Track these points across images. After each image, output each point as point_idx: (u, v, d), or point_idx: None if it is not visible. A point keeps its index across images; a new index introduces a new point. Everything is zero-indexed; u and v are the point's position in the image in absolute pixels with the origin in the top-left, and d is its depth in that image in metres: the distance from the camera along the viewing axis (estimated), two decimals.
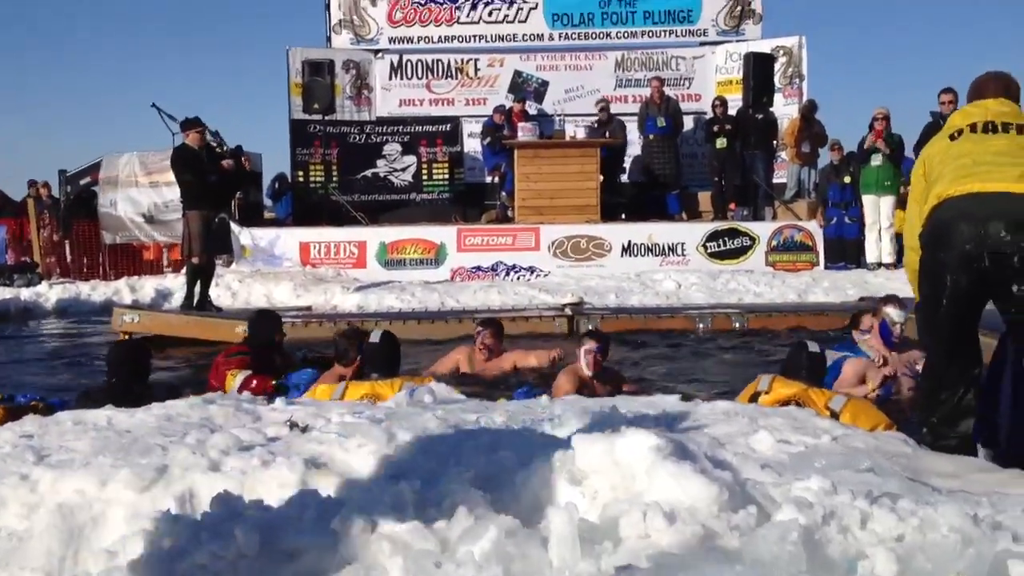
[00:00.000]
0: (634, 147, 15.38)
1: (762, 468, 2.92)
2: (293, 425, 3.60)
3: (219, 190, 10.35)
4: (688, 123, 15.99)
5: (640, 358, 8.63)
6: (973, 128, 4.02)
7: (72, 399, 5.87)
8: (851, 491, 2.55)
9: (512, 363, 7.28)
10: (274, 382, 6.31)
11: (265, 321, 7.11)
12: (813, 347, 5.08)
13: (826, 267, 13.14)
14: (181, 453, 3.22)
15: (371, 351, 5.46)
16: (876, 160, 12.53)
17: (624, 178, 15.62)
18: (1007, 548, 2.21)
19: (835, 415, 4.28)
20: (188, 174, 10.09)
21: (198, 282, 10.30)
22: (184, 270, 10.98)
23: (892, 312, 6.86)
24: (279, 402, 4.14)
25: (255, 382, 6.31)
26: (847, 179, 13.14)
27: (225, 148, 11.21)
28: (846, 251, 13.41)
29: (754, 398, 4.62)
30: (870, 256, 12.84)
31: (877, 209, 12.66)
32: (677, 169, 15.16)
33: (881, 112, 12.67)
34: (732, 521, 2.43)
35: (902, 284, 11.63)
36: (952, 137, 4.10)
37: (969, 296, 3.83)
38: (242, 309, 11.19)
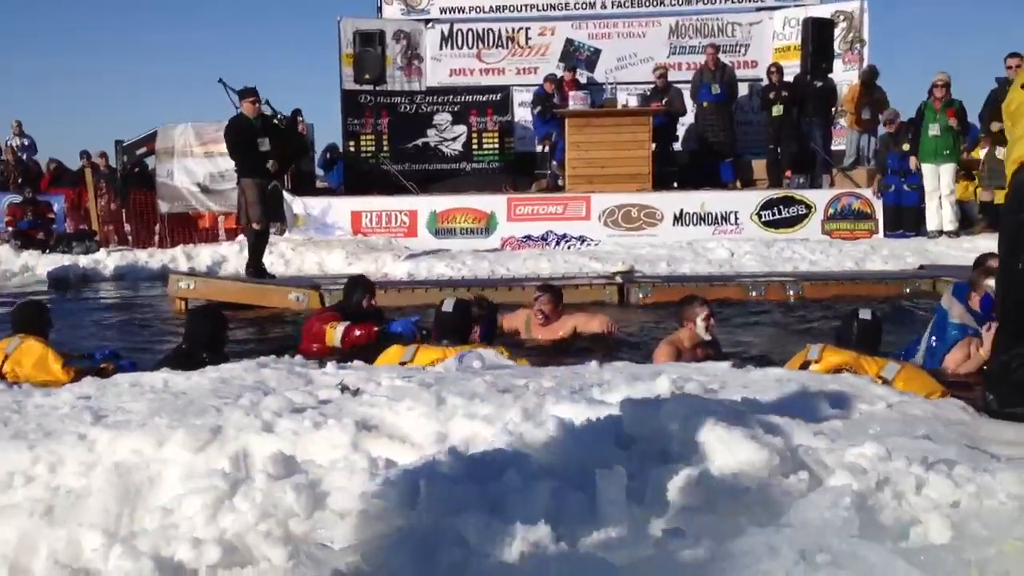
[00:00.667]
0: (689, 115, 15.16)
1: (815, 435, 2.88)
2: (344, 388, 3.62)
3: (273, 158, 10.41)
4: (743, 90, 15.76)
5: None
6: None
7: (135, 361, 6.04)
8: (906, 457, 2.51)
9: (572, 327, 7.26)
10: (376, 329, 6.39)
11: (357, 286, 7.18)
12: (865, 314, 4.99)
13: (885, 235, 12.88)
14: (235, 414, 3.26)
15: (443, 319, 5.48)
16: (934, 128, 12.25)
17: (678, 146, 15.44)
18: None
19: (887, 383, 4.20)
20: (240, 142, 10.22)
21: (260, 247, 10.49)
22: (241, 237, 11.09)
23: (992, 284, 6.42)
24: (330, 366, 4.17)
25: (358, 331, 6.41)
26: (906, 147, 12.85)
27: (280, 117, 11.28)
28: (905, 219, 13.13)
29: (804, 367, 4.55)
30: (931, 224, 12.60)
31: (937, 177, 12.42)
32: (732, 137, 14.96)
33: (941, 79, 12.34)
34: (783, 486, 2.41)
35: (963, 252, 11.49)
36: None
37: None
38: (294, 276, 11.33)
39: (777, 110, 14.32)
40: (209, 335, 5.79)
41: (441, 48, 16.03)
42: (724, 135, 14.79)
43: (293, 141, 11.82)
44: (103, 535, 2.55)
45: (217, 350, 5.66)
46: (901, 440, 2.82)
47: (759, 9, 15.94)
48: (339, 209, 13.45)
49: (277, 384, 3.90)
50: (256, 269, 10.47)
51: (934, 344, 6.08)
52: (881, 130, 13.97)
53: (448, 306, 5.51)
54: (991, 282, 5.49)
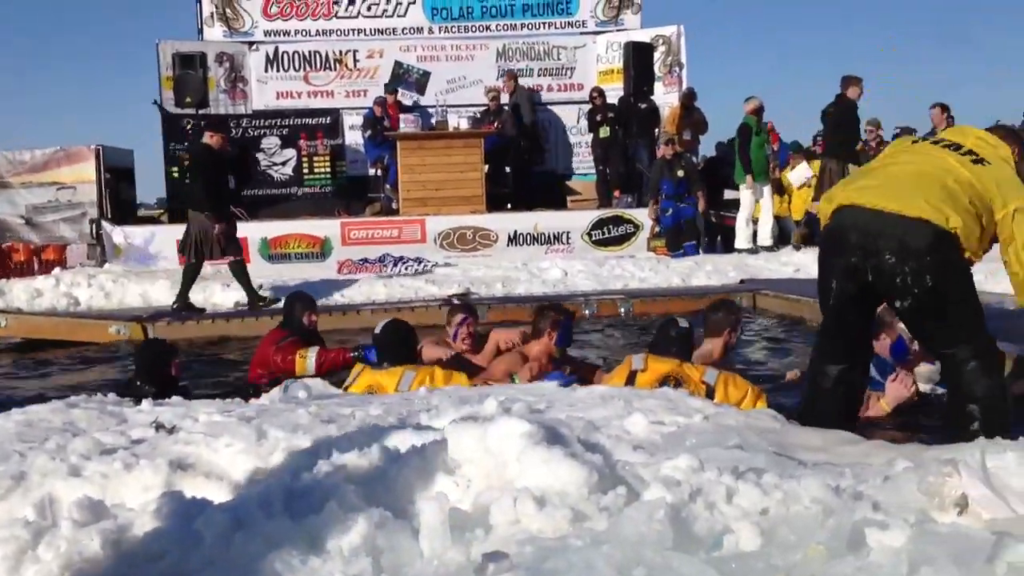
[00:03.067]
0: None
1: (634, 449, 2.94)
2: (159, 426, 3.47)
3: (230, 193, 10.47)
4: (572, 112, 16.15)
5: None
6: (938, 142, 4.05)
7: None
8: (718, 468, 2.59)
9: (504, 345, 6.14)
10: (352, 353, 6.15)
11: (296, 302, 6.87)
12: (682, 323, 5.04)
13: (672, 253, 13.12)
14: (40, 459, 3.07)
15: (377, 341, 5.38)
16: (760, 150, 12.80)
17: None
18: (865, 516, 2.27)
19: (710, 388, 4.34)
20: (209, 176, 10.21)
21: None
22: (59, 271, 10.66)
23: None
24: (146, 403, 3.98)
25: (333, 355, 6.18)
26: (680, 173, 13.21)
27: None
28: (686, 235, 13.28)
29: (631, 377, 4.64)
30: (740, 243, 13.08)
31: (757, 197, 12.96)
32: (541, 158, 15.70)
33: (754, 104, 12.95)
34: (601, 503, 2.44)
35: (779, 265, 12.09)
36: (914, 141, 4.26)
37: (853, 300, 3.91)
38: (115, 310, 10.83)
39: (604, 132, 14.73)
40: (147, 368, 5.59)
41: (267, 70, 15.75)
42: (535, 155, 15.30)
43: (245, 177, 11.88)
44: None
45: (161, 383, 5.41)
46: (715, 451, 2.91)
47: (583, 33, 16.37)
48: (163, 238, 12.93)
49: (87, 425, 3.71)
50: (184, 304, 10.43)
51: None
52: (705, 149, 14.55)
53: (379, 328, 5.43)
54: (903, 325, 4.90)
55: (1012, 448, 2.54)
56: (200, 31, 15.71)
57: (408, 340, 5.38)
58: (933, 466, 2.48)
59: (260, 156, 15.36)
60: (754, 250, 12.95)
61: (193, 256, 10.36)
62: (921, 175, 3.82)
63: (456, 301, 10.19)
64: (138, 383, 5.45)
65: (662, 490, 2.43)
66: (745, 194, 13.03)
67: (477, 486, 2.69)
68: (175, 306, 10.48)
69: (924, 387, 5.12)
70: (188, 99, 14.24)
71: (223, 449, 3.09)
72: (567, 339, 5.65)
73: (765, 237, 12.99)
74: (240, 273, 10.56)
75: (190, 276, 10.52)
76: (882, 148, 11.13)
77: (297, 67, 15.86)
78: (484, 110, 14.99)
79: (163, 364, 5.70)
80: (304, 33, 15.89)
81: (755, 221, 13.31)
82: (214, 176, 10.37)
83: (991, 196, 3.74)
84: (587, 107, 15.38)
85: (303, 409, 3.62)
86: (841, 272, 3.85)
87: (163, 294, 11.17)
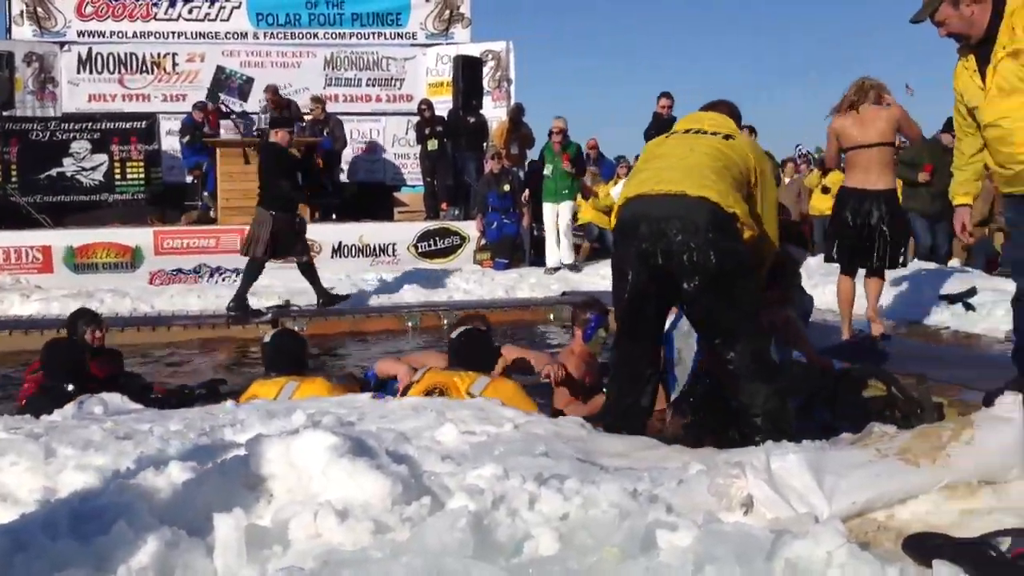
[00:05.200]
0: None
1: (443, 459, 2.95)
2: None
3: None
4: (401, 124, 16.11)
5: (346, 360, 8.56)
6: (687, 131, 4.28)
7: None
8: (522, 475, 2.62)
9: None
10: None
11: (79, 319, 6.31)
12: (462, 330, 5.06)
13: (495, 265, 13.19)
14: None
15: (264, 351, 5.19)
16: (552, 170, 12.88)
17: (344, 178, 15.53)
18: (658, 519, 2.35)
19: (474, 398, 4.34)
20: (280, 174, 10.13)
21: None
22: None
23: (795, 252, 5.57)
24: None
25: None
26: (506, 187, 13.33)
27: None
28: (506, 250, 13.47)
29: (406, 390, 4.66)
30: (550, 260, 13.06)
31: (555, 215, 12.96)
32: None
33: (558, 125, 13.06)
34: (405, 513, 2.43)
35: (600, 278, 12.35)
36: (666, 136, 4.38)
37: (648, 290, 4.01)
38: None
39: (432, 144, 14.73)
40: (60, 364, 5.22)
41: (79, 72, 15.05)
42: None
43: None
44: None
45: (80, 379, 5.09)
46: (521, 459, 2.95)
47: (413, 45, 16.37)
48: None
49: None
50: (239, 305, 10.04)
51: None
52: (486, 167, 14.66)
53: (269, 336, 5.28)
54: (792, 249, 5.19)
55: (794, 451, 2.68)
56: (8, 30, 14.91)
57: (296, 351, 5.21)
58: (723, 468, 2.60)
59: (68, 161, 14.52)
60: (551, 270, 12.91)
61: (261, 253, 10.05)
62: (690, 159, 4.06)
63: (272, 314, 9.96)
64: (50, 385, 5.15)
65: (465, 499, 2.44)
66: (545, 211, 13.15)
67: (279, 501, 2.64)
68: (231, 305, 10.08)
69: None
70: None
71: (8, 468, 2.92)
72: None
73: (565, 255, 12.96)
74: (310, 273, 10.41)
75: (252, 275, 10.21)
76: None
77: (112, 69, 15.25)
78: (313, 119, 14.73)
79: (77, 358, 5.42)
80: (120, 35, 15.31)
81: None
82: (285, 174, 10.25)
83: (749, 164, 4.11)
84: (416, 119, 15.37)
85: (97, 425, 3.45)
86: (635, 260, 3.95)
87: None
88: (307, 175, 11.35)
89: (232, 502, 2.60)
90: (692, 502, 2.52)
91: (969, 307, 7.68)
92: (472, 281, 12.26)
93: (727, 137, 4.19)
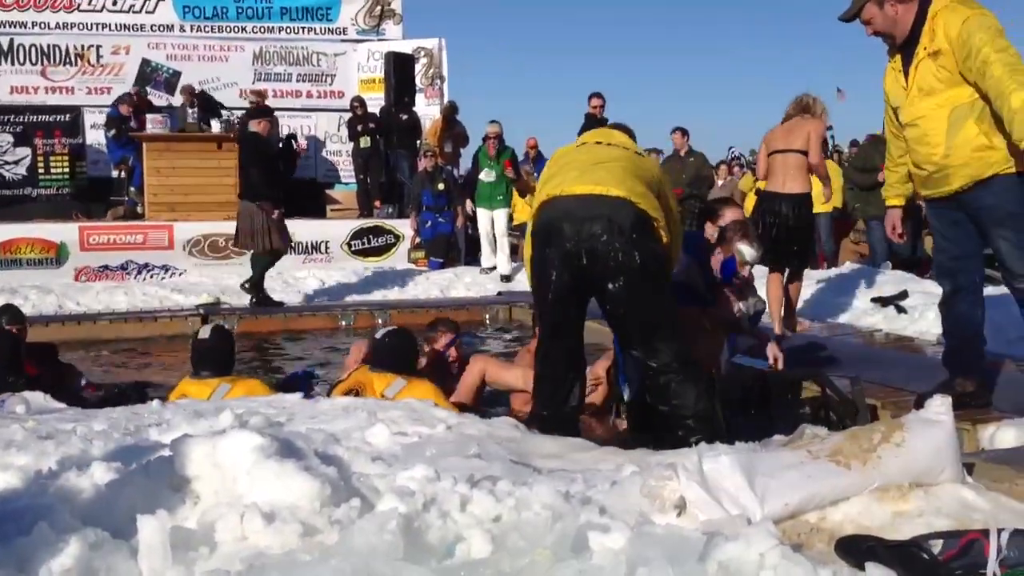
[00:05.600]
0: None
1: (373, 461, 2.90)
2: None
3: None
4: (332, 120, 15.94)
5: (277, 358, 8.44)
6: (597, 143, 4.35)
7: None
8: (454, 477, 2.59)
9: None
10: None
11: (3, 317, 6.04)
12: (381, 333, 5.07)
13: (430, 264, 13.14)
14: None
15: (199, 347, 4.99)
16: (489, 176, 12.65)
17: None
18: (590, 521, 2.33)
19: (387, 400, 4.32)
20: (262, 164, 10.11)
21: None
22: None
23: (745, 250, 5.04)
24: None
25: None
26: (440, 186, 13.28)
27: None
28: (445, 248, 13.49)
29: (330, 390, 4.63)
30: (485, 262, 12.92)
31: (489, 221, 12.75)
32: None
33: (493, 130, 12.92)
34: (334, 516, 2.39)
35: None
36: (576, 145, 4.41)
37: (571, 291, 4.01)
38: None
39: (365, 141, 14.59)
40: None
41: (0, 63, 14.58)
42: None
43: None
44: None
45: (15, 370, 4.98)
46: (453, 460, 2.92)
47: (343, 41, 16.22)
48: None
49: None
50: (262, 296, 10.26)
51: None
52: (464, 163, 14.59)
53: (205, 333, 5.07)
54: (742, 246, 4.96)
55: (727, 452, 2.69)
56: None
57: (228, 350, 5.10)
58: (656, 470, 2.60)
59: None
60: (486, 270, 12.81)
61: (253, 245, 10.18)
62: (609, 164, 4.10)
63: (203, 311, 9.78)
64: None
65: (396, 501, 2.40)
66: (480, 217, 12.95)
67: (205, 503, 2.57)
68: (252, 301, 10.27)
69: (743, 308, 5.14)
70: None
71: None
72: None
73: (502, 261, 12.67)
74: (263, 263, 10.38)
75: (260, 264, 10.35)
76: None
77: (34, 61, 14.93)
78: (244, 112, 14.47)
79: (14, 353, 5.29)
80: (43, 25, 15.00)
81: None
82: (267, 164, 10.28)
83: (658, 178, 4.23)
84: (348, 115, 15.22)
85: (18, 425, 3.33)
86: (559, 261, 3.93)
87: None
88: (287, 165, 11.20)
89: (157, 504, 2.54)
90: (625, 504, 2.51)
91: (901, 310, 7.85)
92: (406, 280, 12.19)
93: (637, 153, 4.33)
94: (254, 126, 10.50)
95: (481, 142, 13.05)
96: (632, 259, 3.82)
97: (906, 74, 4.33)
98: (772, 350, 5.06)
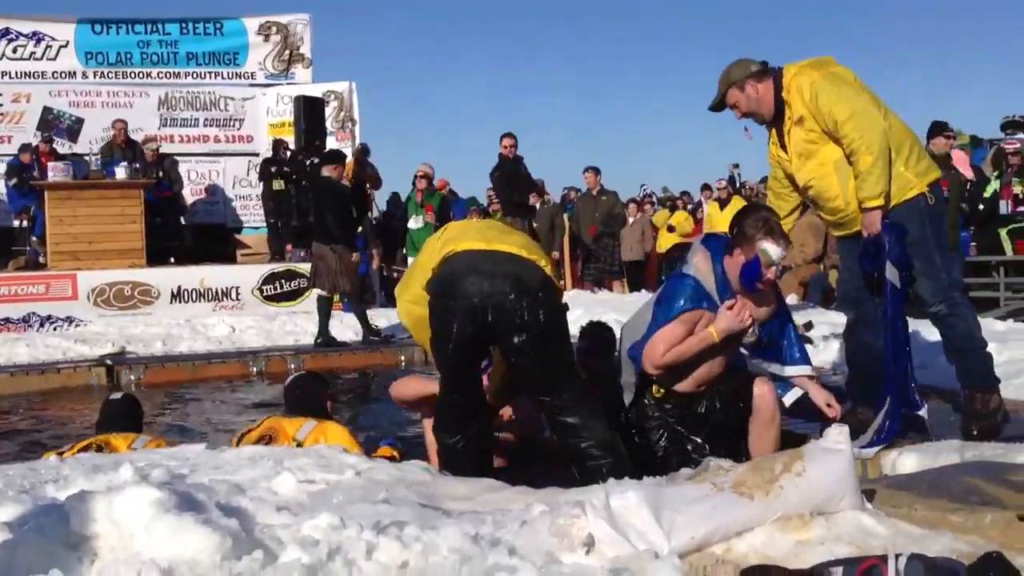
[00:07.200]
0: None
1: (278, 511, 2.84)
2: None
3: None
4: (242, 164, 15.78)
5: (185, 408, 8.23)
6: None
7: None
8: (360, 524, 2.55)
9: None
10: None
11: None
12: (297, 375, 5.13)
13: (345, 307, 12.98)
14: None
15: (112, 409, 5.02)
16: (416, 222, 12.72)
17: (183, 220, 15.11)
18: (498, 562, 2.32)
19: (299, 443, 4.28)
20: (336, 209, 10.33)
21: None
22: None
23: (771, 249, 4.14)
24: None
25: None
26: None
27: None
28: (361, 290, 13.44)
29: (240, 439, 4.55)
30: None
31: None
32: None
33: (423, 170, 12.96)
34: (235, 569, 2.33)
35: None
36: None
37: (473, 342, 4.02)
38: None
39: (278, 184, 14.46)
40: None
41: None
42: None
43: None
44: None
45: None
46: (362, 507, 2.87)
47: (252, 85, 16.11)
48: None
49: None
50: (328, 339, 10.51)
51: (658, 312, 4.29)
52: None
53: (116, 395, 5.27)
54: (767, 245, 4.10)
55: (634, 488, 2.71)
56: None
57: (136, 412, 5.08)
58: (564, 509, 2.59)
59: None
60: None
61: (328, 289, 10.43)
62: (513, 235, 4.29)
63: (109, 362, 9.51)
64: None
65: (299, 551, 2.35)
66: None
67: (103, 560, 2.49)
68: (318, 341, 10.49)
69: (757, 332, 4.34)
70: None
71: None
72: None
73: None
74: (326, 308, 10.61)
75: (327, 310, 10.59)
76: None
77: None
78: (147, 160, 14.22)
79: None
80: None
81: None
82: (341, 208, 10.46)
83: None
84: (257, 159, 15.07)
85: None
86: (461, 314, 3.92)
87: None
88: (360, 209, 11.57)
89: (52, 563, 2.45)
90: (535, 543, 2.50)
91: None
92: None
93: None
94: (328, 171, 10.60)
95: (411, 185, 13.02)
96: (538, 317, 3.89)
97: (783, 145, 4.60)
98: (820, 397, 4.45)
